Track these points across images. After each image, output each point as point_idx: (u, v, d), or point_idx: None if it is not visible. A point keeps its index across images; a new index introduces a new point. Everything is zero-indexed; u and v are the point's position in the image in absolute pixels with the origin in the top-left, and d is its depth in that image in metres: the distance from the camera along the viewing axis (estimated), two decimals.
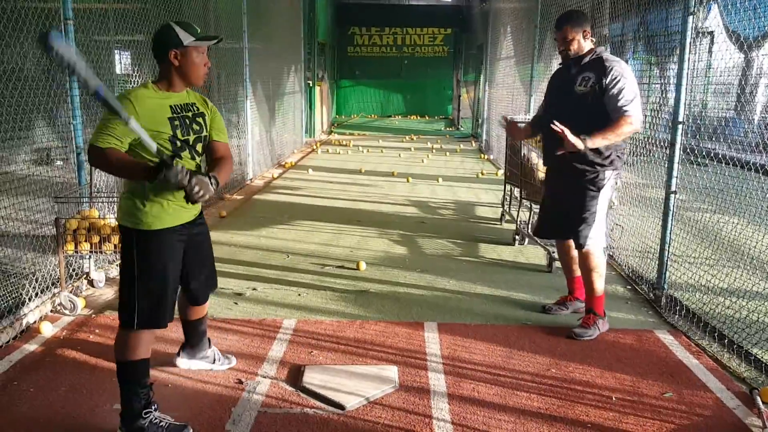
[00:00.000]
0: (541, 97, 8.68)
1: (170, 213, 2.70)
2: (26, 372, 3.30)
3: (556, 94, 4.01)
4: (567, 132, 3.53)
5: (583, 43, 3.78)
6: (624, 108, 3.58)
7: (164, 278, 2.72)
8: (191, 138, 2.74)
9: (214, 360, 3.34)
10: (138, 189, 2.65)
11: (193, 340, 3.29)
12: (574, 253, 4.00)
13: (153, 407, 2.74)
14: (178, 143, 2.68)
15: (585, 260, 3.88)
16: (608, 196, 3.81)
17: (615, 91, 3.60)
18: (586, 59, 3.78)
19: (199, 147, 2.79)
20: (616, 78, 3.61)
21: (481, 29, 15.71)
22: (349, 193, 8.58)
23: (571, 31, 3.76)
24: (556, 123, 3.58)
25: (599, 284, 3.89)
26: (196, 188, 2.50)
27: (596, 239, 3.81)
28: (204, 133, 2.82)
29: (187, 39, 2.63)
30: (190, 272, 2.92)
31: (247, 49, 9.05)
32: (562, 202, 3.95)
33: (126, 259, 2.70)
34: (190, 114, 2.76)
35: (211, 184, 2.59)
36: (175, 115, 2.68)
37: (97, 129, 2.52)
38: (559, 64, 4.00)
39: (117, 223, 2.76)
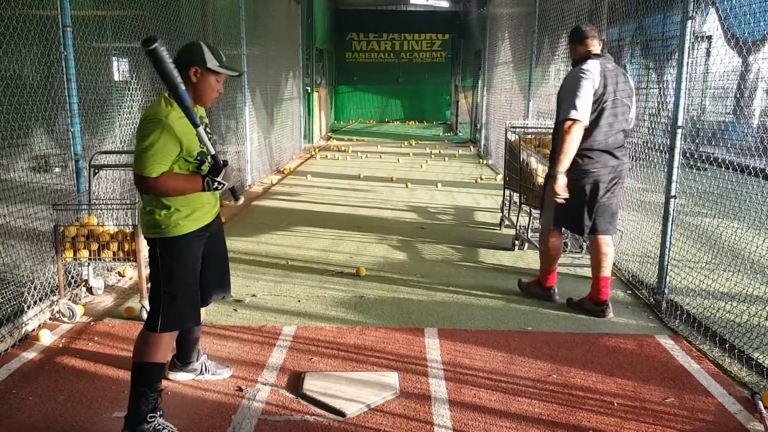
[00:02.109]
0: (539, 102, 8.74)
1: (194, 219, 2.78)
2: (25, 380, 3.28)
3: None
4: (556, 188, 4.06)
5: (576, 53, 4.21)
6: (560, 118, 4.05)
7: (189, 282, 2.80)
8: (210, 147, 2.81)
9: (202, 371, 3.30)
10: (161, 200, 2.70)
11: (185, 347, 3.26)
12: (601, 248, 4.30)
13: (158, 413, 2.75)
14: (202, 157, 2.76)
15: None
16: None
17: (562, 96, 4.09)
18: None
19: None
20: (564, 84, 4.11)
21: (479, 35, 15.74)
22: (348, 198, 8.57)
23: (569, 45, 4.30)
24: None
25: (543, 261, 4.53)
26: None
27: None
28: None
29: (211, 62, 2.71)
30: (204, 268, 2.93)
31: (245, 55, 9.06)
32: None
33: (153, 267, 2.77)
34: (205, 124, 2.83)
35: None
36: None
37: (140, 160, 2.57)
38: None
39: (145, 236, 2.80)
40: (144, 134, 2.58)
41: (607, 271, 4.26)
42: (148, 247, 2.82)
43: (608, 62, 4.12)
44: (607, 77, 4.02)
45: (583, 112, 3.93)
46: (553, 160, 4.12)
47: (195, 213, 2.78)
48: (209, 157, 2.70)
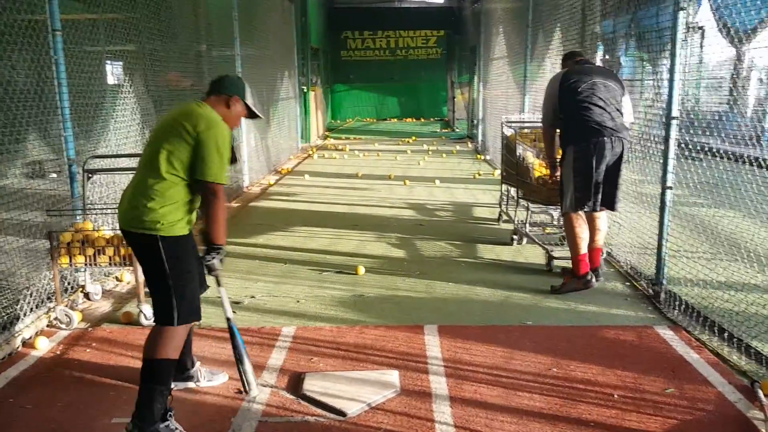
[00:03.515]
0: (535, 96, 8.74)
1: (187, 223, 2.87)
2: (22, 388, 3.27)
3: None
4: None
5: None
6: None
7: (194, 275, 2.89)
8: None
9: (198, 379, 3.27)
10: (176, 198, 2.77)
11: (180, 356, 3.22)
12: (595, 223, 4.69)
13: (170, 413, 2.75)
14: None
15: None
16: (569, 166, 4.51)
17: None
18: None
19: None
20: None
21: (474, 30, 15.71)
22: (346, 197, 8.56)
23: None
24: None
25: (572, 247, 4.58)
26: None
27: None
28: None
29: (249, 99, 3.07)
30: None
31: (239, 56, 9.04)
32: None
33: (155, 264, 2.78)
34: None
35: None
36: None
37: (218, 167, 2.77)
38: None
39: (140, 231, 2.78)
40: (219, 142, 2.76)
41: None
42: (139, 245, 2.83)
43: (584, 65, 4.70)
44: (575, 75, 4.54)
45: (545, 117, 4.76)
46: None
47: (187, 217, 2.86)
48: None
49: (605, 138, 4.37)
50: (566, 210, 4.58)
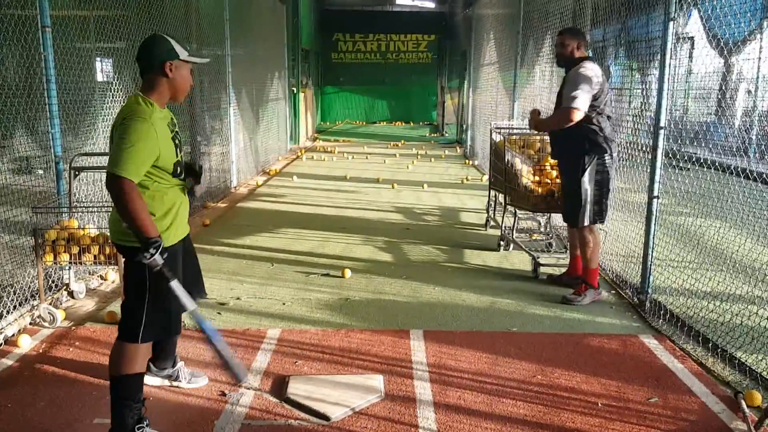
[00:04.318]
0: (524, 102, 8.77)
1: (174, 230, 2.71)
2: (4, 387, 3.22)
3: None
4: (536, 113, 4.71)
5: (576, 52, 4.38)
6: (564, 104, 4.29)
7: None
8: (182, 157, 2.75)
9: (177, 378, 3.23)
10: (152, 204, 2.59)
11: (162, 354, 3.18)
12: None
13: (145, 422, 2.69)
14: (179, 168, 2.69)
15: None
16: (591, 178, 4.36)
17: (564, 91, 4.31)
18: (571, 69, 4.36)
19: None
20: (568, 80, 4.33)
21: (465, 36, 15.75)
22: (334, 200, 8.54)
23: (567, 39, 4.41)
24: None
25: (590, 260, 4.51)
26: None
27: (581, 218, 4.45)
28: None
29: (182, 53, 2.64)
30: (184, 279, 2.87)
31: (229, 55, 9.01)
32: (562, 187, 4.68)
33: (135, 278, 2.63)
34: (177, 130, 2.75)
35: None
36: (173, 134, 2.68)
37: (120, 158, 2.42)
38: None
39: (117, 243, 2.67)
40: (128, 132, 2.45)
41: None
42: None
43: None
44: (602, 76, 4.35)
45: (582, 103, 4.23)
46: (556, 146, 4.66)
47: (174, 223, 2.71)
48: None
49: (615, 151, 4.41)
50: (586, 223, 4.45)
